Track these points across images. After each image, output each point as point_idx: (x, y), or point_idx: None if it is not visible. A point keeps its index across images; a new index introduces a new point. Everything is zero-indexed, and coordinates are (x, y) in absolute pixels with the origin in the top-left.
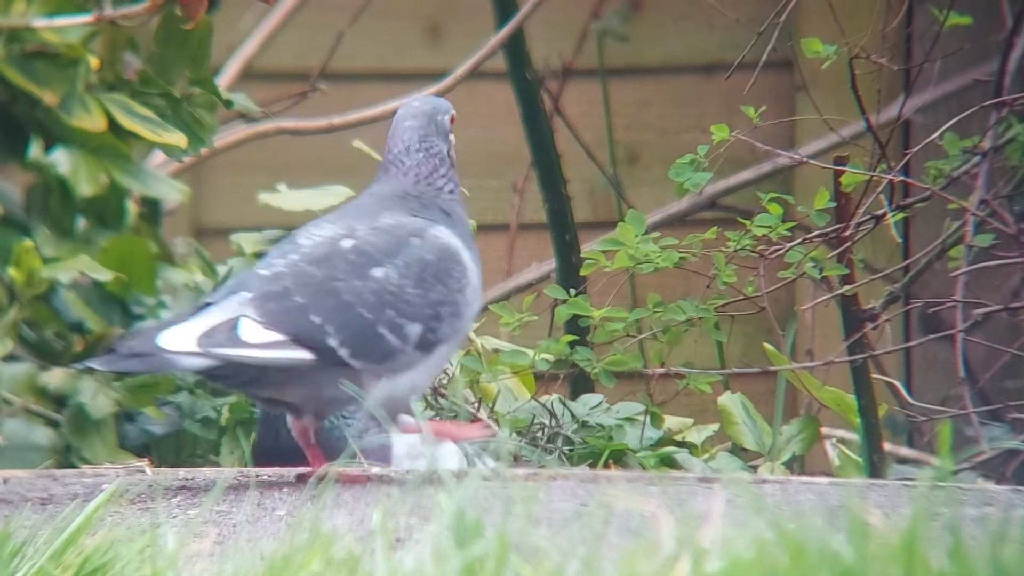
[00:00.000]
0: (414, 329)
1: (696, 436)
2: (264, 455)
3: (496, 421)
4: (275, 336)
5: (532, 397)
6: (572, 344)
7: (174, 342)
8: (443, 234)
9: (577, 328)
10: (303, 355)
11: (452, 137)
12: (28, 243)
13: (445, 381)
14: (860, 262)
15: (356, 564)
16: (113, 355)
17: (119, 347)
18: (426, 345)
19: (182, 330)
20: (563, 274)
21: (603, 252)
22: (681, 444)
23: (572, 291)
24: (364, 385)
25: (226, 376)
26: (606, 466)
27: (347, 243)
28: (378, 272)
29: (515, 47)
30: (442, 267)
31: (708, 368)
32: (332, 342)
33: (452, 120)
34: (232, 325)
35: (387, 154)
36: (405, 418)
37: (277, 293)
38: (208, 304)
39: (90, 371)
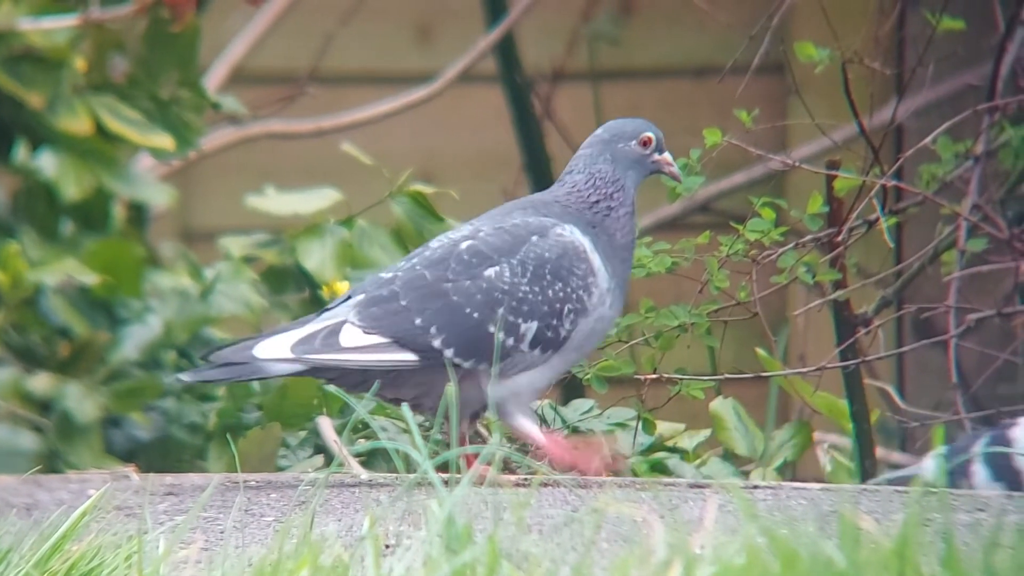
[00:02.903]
0: (529, 327)
1: (688, 442)
2: None
3: (487, 427)
4: (376, 339)
5: None
6: None
7: (269, 350)
8: (568, 232)
9: None
10: (407, 356)
11: (656, 157)
12: (14, 246)
13: None
14: (853, 267)
15: (345, 571)
16: (205, 365)
17: (215, 357)
18: (547, 344)
19: (283, 338)
20: None
21: None
22: (672, 450)
23: None
24: (482, 384)
25: (333, 379)
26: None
27: (465, 244)
28: (491, 271)
29: (506, 50)
30: (562, 264)
31: (700, 374)
32: (436, 343)
33: (645, 142)
34: (333, 330)
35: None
36: (523, 424)
37: (383, 297)
38: (325, 310)
39: (76, 374)
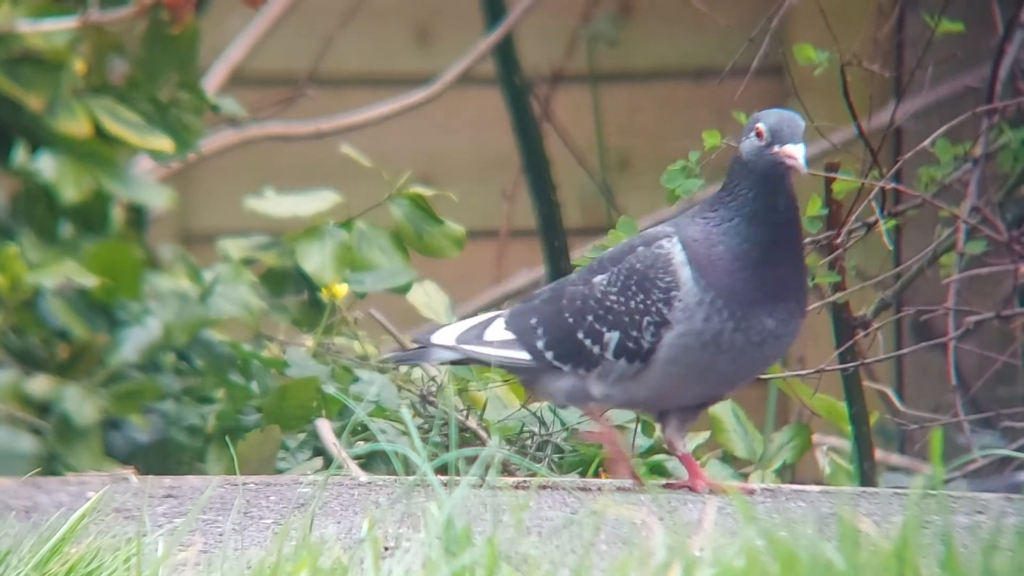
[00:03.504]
0: (612, 336)
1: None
2: None
3: (486, 429)
4: (509, 335)
5: (522, 405)
6: None
7: (442, 336)
8: (668, 246)
9: None
10: (523, 355)
11: (775, 149)
12: (13, 248)
13: (434, 389)
14: (852, 269)
15: (344, 573)
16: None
17: (417, 337)
18: (631, 355)
19: (460, 325)
20: (553, 281)
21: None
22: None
23: None
24: (589, 389)
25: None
26: (596, 474)
27: (608, 250)
28: (597, 279)
29: (505, 51)
30: (647, 275)
31: None
32: (540, 344)
33: (759, 134)
34: (489, 321)
35: None
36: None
37: (537, 294)
38: None
39: (75, 376)
